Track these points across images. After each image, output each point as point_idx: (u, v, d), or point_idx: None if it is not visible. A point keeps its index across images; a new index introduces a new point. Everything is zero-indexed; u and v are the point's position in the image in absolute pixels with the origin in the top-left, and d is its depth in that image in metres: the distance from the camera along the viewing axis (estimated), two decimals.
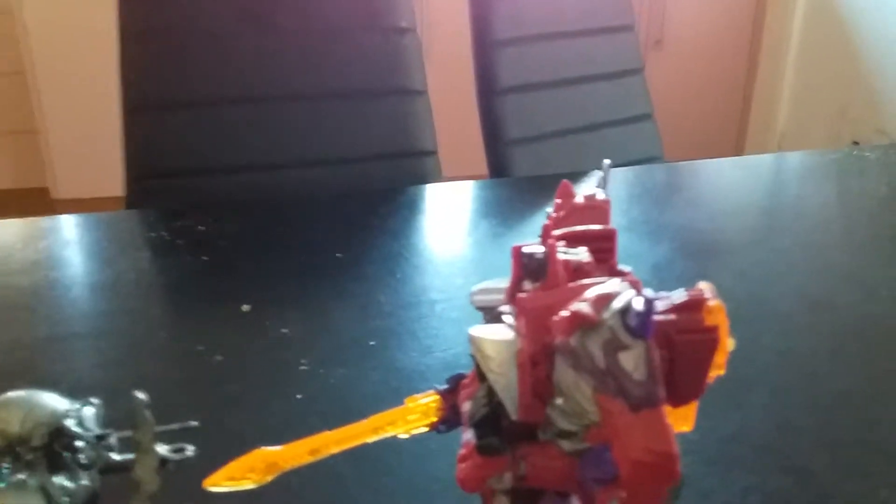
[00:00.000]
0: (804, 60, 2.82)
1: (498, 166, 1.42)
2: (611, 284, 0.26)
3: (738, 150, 3.17)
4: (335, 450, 0.38)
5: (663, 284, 0.34)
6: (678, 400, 0.31)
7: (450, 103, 1.83)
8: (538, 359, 0.28)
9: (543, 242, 0.30)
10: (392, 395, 0.41)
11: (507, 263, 0.32)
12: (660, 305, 0.31)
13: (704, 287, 0.31)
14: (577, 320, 0.25)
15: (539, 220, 0.35)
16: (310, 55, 1.16)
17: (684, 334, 0.30)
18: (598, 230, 0.32)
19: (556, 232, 0.32)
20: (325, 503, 0.51)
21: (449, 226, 1.00)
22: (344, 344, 0.69)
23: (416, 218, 1.03)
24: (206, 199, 1.15)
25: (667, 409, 0.32)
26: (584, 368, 0.25)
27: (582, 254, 0.30)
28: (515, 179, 1.30)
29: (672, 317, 0.30)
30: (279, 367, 0.66)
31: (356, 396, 0.61)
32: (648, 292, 0.28)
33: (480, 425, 0.31)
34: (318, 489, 0.51)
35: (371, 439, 0.38)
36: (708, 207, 1.03)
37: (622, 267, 0.32)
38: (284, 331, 0.71)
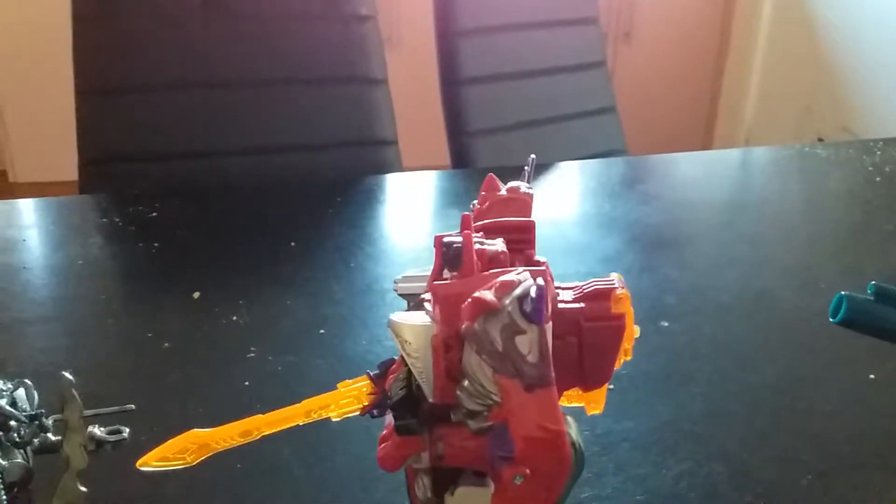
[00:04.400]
0: (771, 56, 2.86)
1: (460, 157, 1.44)
2: (514, 273, 0.28)
3: (705, 145, 3.21)
4: (267, 431, 0.39)
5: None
6: (589, 383, 0.33)
7: (415, 93, 1.83)
8: (451, 343, 0.29)
9: (462, 233, 0.31)
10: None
11: None
12: (569, 295, 0.33)
13: (615, 277, 0.33)
14: (480, 306, 0.27)
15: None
16: (267, 41, 1.15)
17: (592, 321, 0.31)
18: (516, 222, 0.33)
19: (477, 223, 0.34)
20: (269, 487, 0.52)
21: (406, 216, 1.01)
22: (293, 332, 0.70)
23: (373, 207, 1.03)
24: (161, 185, 1.14)
25: (578, 393, 0.34)
26: (486, 351, 0.27)
27: (498, 244, 0.32)
28: (475, 170, 1.32)
29: (581, 305, 0.32)
30: (227, 355, 0.66)
31: (303, 384, 0.62)
32: (545, 281, 0.29)
33: (398, 407, 0.32)
34: (263, 473, 0.52)
35: (303, 422, 0.39)
36: (661, 201, 1.05)
37: (539, 258, 0.33)
38: (234, 318, 0.71)
